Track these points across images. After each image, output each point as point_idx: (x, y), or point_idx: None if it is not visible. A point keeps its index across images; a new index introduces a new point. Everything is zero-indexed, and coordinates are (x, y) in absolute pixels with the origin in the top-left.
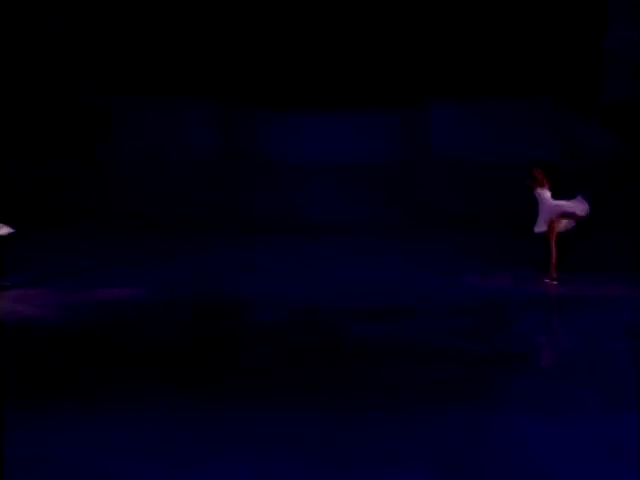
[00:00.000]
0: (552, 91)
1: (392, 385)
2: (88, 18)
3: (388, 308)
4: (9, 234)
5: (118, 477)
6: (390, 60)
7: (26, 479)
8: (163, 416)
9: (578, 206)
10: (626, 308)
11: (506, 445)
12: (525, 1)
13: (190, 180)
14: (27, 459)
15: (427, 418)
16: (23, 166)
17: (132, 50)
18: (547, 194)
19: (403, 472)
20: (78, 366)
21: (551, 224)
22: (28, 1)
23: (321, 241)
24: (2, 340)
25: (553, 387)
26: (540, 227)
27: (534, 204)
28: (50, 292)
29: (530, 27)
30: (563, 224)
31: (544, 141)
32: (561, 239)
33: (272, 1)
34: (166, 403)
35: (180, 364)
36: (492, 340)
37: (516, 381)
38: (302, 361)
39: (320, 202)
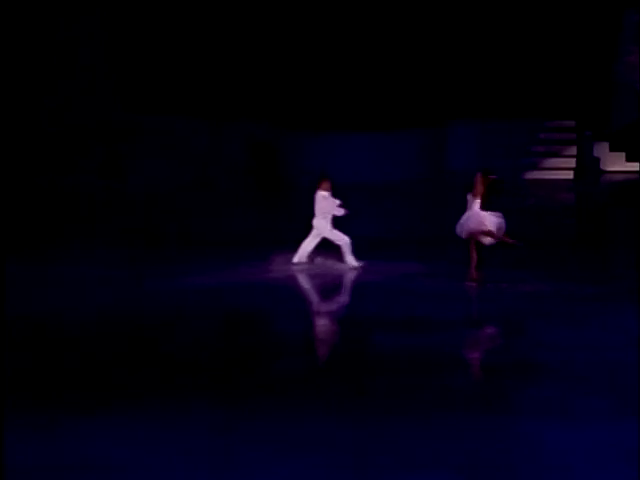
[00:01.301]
0: (571, 115)
1: (415, 393)
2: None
3: (408, 318)
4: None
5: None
6: (414, 82)
7: None
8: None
9: (496, 222)
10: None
11: (524, 450)
12: (541, 30)
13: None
14: None
15: (450, 424)
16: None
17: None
18: (477, 204)
19: (430, 476)
20: None
21: (472, 236)
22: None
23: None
24: None
25: (569, 394)
26: (460, 232)
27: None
28: None
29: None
30: (486, 240)
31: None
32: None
33: (300, 26)
34: (202, 409)
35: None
36: (508, 349)
37: (532, 388)
38: (329, 370)
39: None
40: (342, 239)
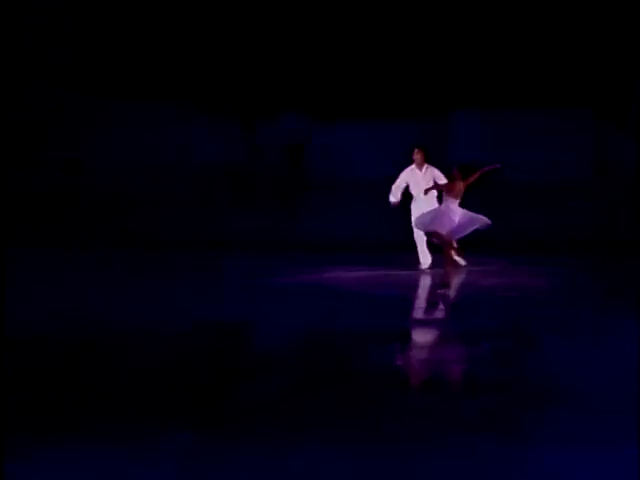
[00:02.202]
0: (584, 102)
1: (411, 417)
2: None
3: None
4: None
5: None
6: (413, 70)
7: None
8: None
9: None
10: None
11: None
12: (553, 11)
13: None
14: None
15: (455, 449)
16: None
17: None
18: (454, 203)
19: None
20: None
21: (437, 236)
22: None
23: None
24: None
25: (583, 416)
26: (424, 225)
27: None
28: None
29: (561, 37)
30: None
31: (575, 152)
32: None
33: (295, 12)
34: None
35: (185, 395)
36: (519, 366)
37: (545, 410)
38: (322, 390)
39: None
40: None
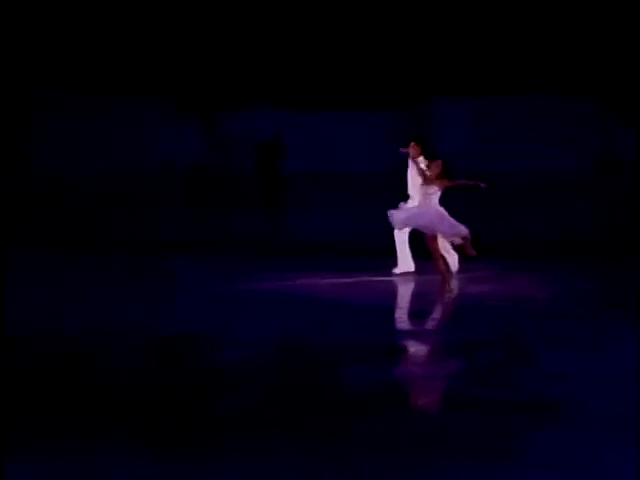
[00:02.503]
0: (585, 89)
1: (400, 438)
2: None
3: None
4: None
5: None
6: (388, 51)
7: None
8: None
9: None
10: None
11: None
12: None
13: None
14: None
15: (446, 473)
16: None
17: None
18: (436, 195)
19: None
20: None
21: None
22: None
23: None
24: None
25: (579, 435)
26: (399, 222)
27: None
28: None
29: (558, 17)
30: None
31: (577, 142)
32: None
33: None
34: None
35: (142, 414)
36: (513, 382)
37: (542, 431)
38: (299, 411)
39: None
40: None
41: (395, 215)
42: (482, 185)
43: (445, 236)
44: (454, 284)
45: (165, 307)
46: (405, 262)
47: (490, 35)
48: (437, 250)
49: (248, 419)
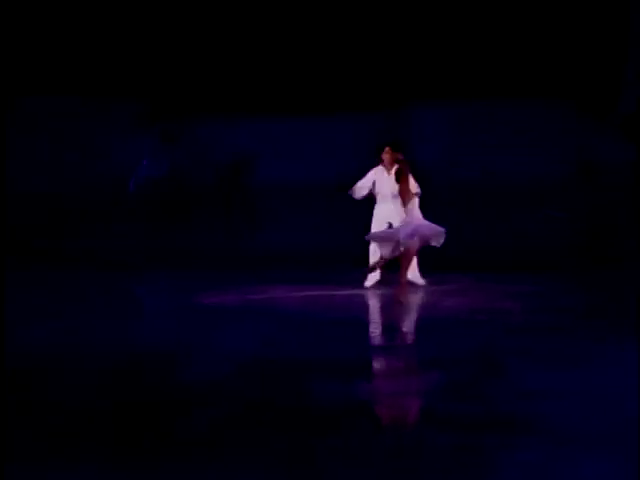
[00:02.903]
0: (563, 94)
1: (368, 459)
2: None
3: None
4: None
5: None
6: (361, 51)
7: None
8: None
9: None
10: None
11: None
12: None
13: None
14: None
15: None
16: None
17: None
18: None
19: None
20: None
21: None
22: None
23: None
24: None
25: (561, 456)
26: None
27: None
28: None
29: (539, 25)
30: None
31: (553, 150)
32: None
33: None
34: None
35: (102, 432)
36: (488, 398)
37: (516, 448)
38: (269, 427)
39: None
40: None
41: (375, 236)
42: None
43: (426, 241)
44: (414, 298)
45: (126, 324)
46: (376, 275)
47: (469, 38)
48: (410, 262)
49: (216, 436)
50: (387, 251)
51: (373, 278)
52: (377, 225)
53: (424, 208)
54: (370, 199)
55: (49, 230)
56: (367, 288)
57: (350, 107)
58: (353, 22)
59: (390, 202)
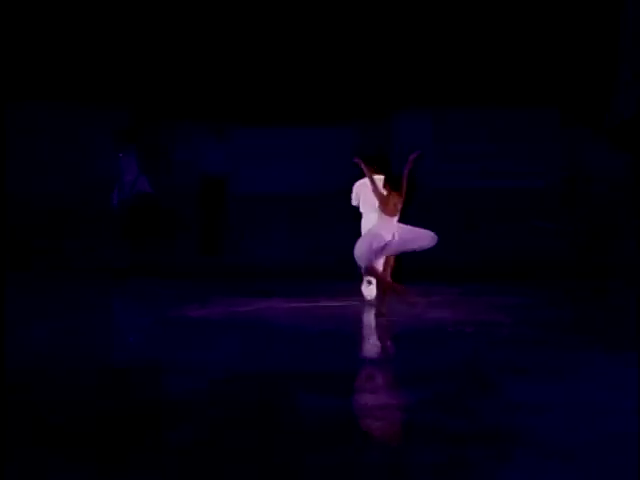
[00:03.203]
0: (551, 102)
1: (357, 468)
2: None
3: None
4: None
5: None
6: (344, 59)
7: None
8: None
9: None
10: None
11: None
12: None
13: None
14: None
15: None
16: None
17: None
18: (390, 222)
19: None
20: None
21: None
22: None
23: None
24: None
25: (545, 469)
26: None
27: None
28: None
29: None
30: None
31: (543, 160)
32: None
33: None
34: None
35: (83, 447)
36: (474, 412)
37: (506, 465)
38: (250, 443)
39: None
40: None
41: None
42: (417, 153)
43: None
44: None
45: (111, 336)
46: (368, 288)
47: (455, 46)
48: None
49: (197, 452)
50: (366, 261)
51: (370, 291)
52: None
53: (409, 218)
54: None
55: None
56: (363, 301)
57: (331, 117)
58: (333, 30)
59: (376, 213)
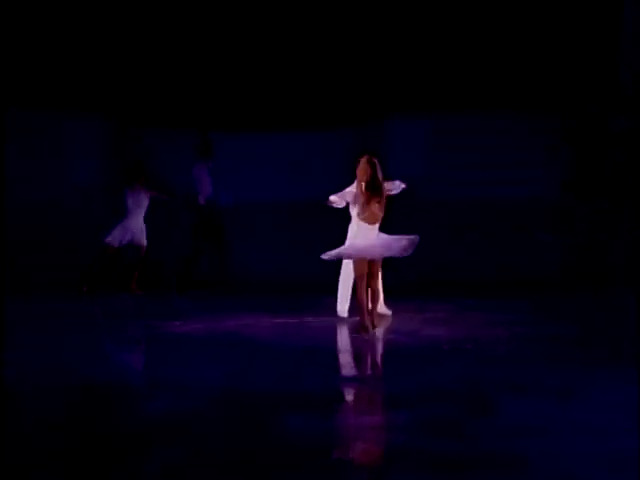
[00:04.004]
0: (549, 109)
1: None
2: None
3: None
4: None
5: None
6: (335, 63)
7: None
8: None
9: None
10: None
11: None
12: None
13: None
14: None
15: None
16: None
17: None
18: (372, 231)
19: None
20: None
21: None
22: None
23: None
24: None
25: None
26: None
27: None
28: None
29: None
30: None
31: (543, 168)
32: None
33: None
34: None
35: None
36: (470, 435)
37: None
38: (229, 465)
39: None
40: None
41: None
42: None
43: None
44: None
45: (91, 353)
46: (343, 303)
47: (451, 50)
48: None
49: (176, 475)
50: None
51: (344, 308)
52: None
53: (398, 228)
54: (344, 220)
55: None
56: (345, 317)
57: (321, 123)
58: (324, 37)
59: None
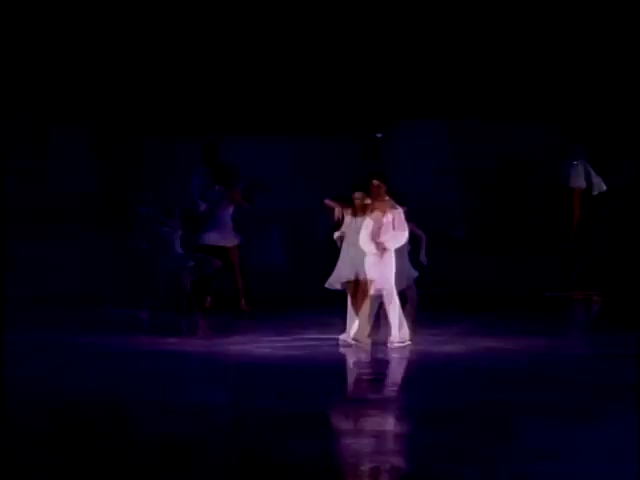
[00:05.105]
0: (557, 118)
1: None
2: None
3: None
4: None
5: None
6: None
7: None
8: None
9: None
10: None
11: None
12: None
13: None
14: None
15: None
16: None
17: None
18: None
19: None
20: None
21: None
22: None
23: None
24: None
25: None
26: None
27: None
28: None
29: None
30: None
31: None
32: None
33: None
34: None
35: None
36: (486, 459)
37: None
38: None
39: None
40: None
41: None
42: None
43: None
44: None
45: (78, 371)
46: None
47: (453, 59)
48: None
49: None
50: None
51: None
52: None
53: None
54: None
55: None
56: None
57: (323, 130)
58: (324, 42)
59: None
